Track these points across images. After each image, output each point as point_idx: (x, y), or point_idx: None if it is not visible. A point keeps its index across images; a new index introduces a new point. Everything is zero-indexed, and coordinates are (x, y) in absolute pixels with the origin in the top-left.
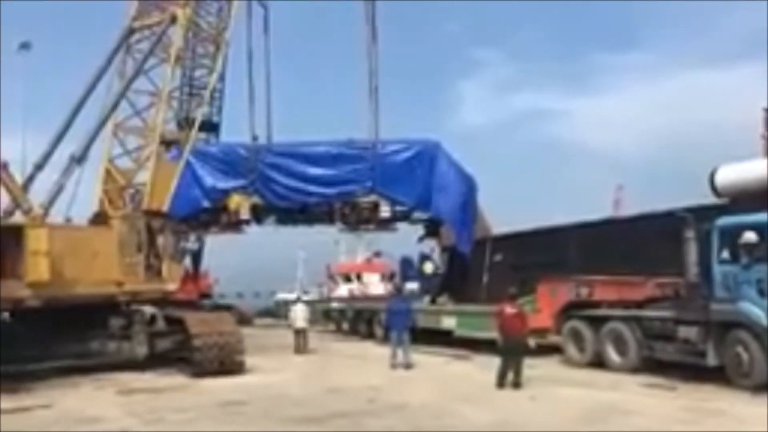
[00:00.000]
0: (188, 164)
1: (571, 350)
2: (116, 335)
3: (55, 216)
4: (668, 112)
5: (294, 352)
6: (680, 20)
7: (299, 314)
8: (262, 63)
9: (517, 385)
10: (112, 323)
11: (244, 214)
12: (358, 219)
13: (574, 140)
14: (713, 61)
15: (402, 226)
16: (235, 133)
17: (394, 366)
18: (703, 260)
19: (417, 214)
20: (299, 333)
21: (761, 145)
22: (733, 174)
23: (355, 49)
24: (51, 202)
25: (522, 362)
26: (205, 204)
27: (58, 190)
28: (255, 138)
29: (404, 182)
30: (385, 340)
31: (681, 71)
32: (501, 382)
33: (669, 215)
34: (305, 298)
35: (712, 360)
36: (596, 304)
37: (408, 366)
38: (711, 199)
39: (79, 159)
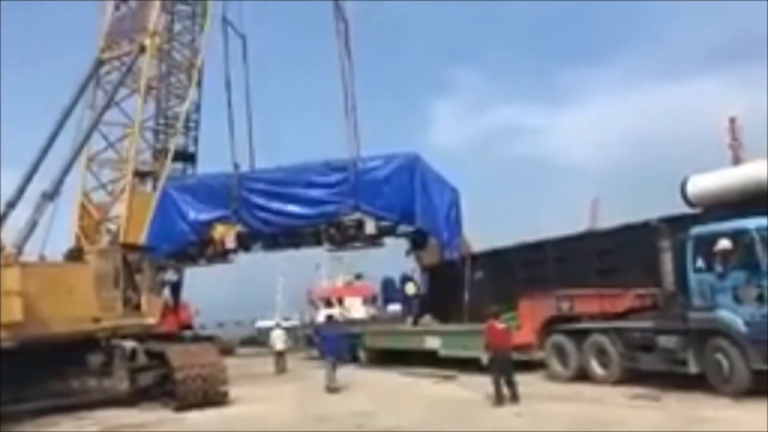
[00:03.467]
0: (170, 199)
1: (555, 365)
2: (96, 372)
3: (30, 253)
4: (638, 124)
5: (275, 373)
6: (647, 35)
7: (277, 338)
8: (242, 91)
9: (515, 398)
10: (92, 360)
11: (230, 244)
12: (344, 238)
13: (549, 155)
14: (680, 75)
15: (388, 244)
16: (217, 161)
17: (330, 389)
18: (679, 269)
19: (402, 228)
20: (279, 355)
21: (729, 154)
22: (703, 183)
23: (332, 69)
24: (24, 239)
25: (513, 375)
26: (192, 237)
27: (32, 227)
28: (236, 166)
29: (386, 197)
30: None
31: (649, 84)
32: (500, 399)
33: (644, 226)
34: (284, 324)
35: (693, 368)
36: (577, 318)
37: (335, 390)
38: (684, 208)
39: (51, 195)
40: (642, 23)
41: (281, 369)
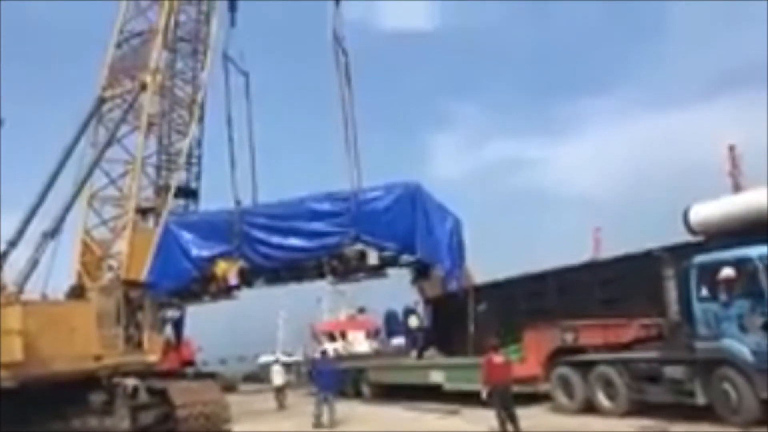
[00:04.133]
0: (172, 235)
1: (561, 397)
2: (97, 410)
3: (32, 291)
4: (638, 153)
5: (276, 409)
6: (643, 65)
7: (276, 374)
8: (244, 126)
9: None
10: (93, 398)
11: (233, 280)
12: (347, 269)
13: (550, 187)
14: (677, 104)
15: (392, 276)
16: (220, 197)
17: (317, 425)
18: (683, 298)
19: (405, 257)
20: (278, 391)
21: (729, 182)
22: (706, 211)
23: (333, 102)
24: (26, 278)
25: (514, 409)
26: (194, 274)
27: (33, 265)
28: (238, 202)
29: (387, 227)
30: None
31: (648, 114)
32: None
33: (646, 255)
34: (284, 359)
35: (700, 398)
36: (583, 349)
37: (333, 423)
38: (687, 236)
39: (52, 233)
40: (638, 53)
41: (281, 405)
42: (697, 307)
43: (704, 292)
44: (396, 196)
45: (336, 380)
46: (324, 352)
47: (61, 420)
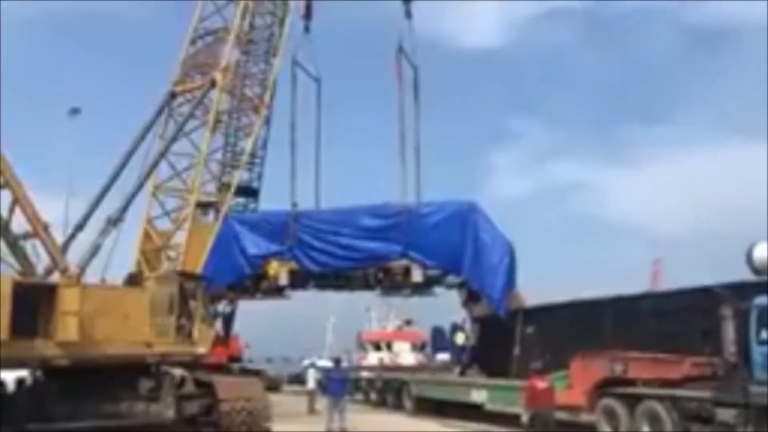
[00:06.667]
0: (231, 231)
1: (605, 429)
2: (144, 397)
3: (92, 276)
4: (704, 184)
5: (307, 412)
6: (714, 95)
7: (311, 378)
8: (309, 130)
9: None
10: (141, 384)
11: (283, 280)
12: (393, 284)
13: (608, 212)
14: (748, 136)
15: (442, 292)
16: (282, 198)
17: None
18: (742, 339)
19: (451, 278)
20: (311, 395)
21: None
22: None
23: (391, 113)
24: (87, 261)
25: None
26: (247, 271)
27: (95, 250)
28: (294, 205)
29: (434, 246)
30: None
31: (716, 144)
32: None
33: (705, 291)
34: (318, 364)
35: None
36: (631, 382)
37: (344, 430)
38: (749, 275)
39: (115, 221)
40: (711, 84)
41: (312, 408)
42: (756, 350)
43: (764, 335)
44: (447, 214)
45: (345, 388)
46: (338, 361)
47: (110, 403)
